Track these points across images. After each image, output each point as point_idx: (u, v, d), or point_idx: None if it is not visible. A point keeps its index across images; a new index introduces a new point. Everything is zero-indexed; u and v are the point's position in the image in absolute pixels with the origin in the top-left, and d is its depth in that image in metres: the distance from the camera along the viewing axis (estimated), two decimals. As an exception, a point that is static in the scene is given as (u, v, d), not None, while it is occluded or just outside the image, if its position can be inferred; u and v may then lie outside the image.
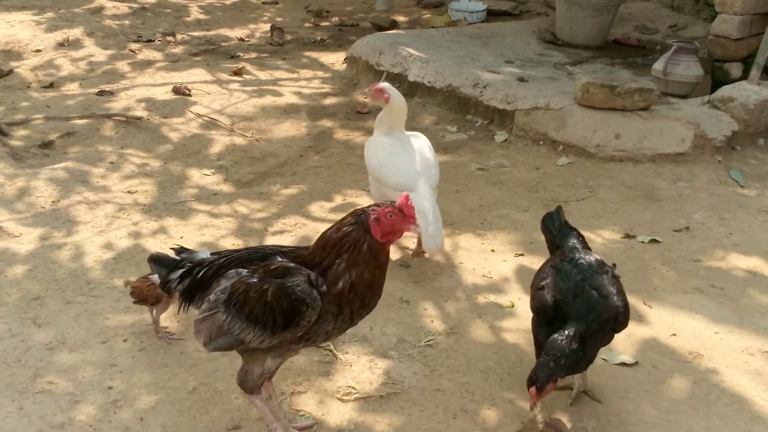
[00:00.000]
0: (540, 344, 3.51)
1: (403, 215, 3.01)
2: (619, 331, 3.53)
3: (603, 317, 3.40)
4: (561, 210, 4.08)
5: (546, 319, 3.52)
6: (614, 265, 3.70)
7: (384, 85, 5.01)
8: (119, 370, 3.92)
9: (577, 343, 3.33)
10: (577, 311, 3.41)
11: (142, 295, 4.08)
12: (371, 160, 4.97)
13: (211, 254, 3.36)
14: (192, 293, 3.27)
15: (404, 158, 4.91)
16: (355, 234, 3.02)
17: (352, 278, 3.01)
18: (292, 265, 3.10)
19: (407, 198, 3.04)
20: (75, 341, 4.12)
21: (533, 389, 3.27)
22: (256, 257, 3.22)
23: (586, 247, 3.83)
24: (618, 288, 3.52)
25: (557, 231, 3.94)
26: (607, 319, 3.42)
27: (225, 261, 3.24)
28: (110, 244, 5.06)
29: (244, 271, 3.14)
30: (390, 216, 2.99)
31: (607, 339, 3.55)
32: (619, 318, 3.46)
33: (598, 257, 3.68)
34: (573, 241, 3.81)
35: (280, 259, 3.16)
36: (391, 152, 4.92)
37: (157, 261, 3.43)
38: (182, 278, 3.30)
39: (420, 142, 5.09)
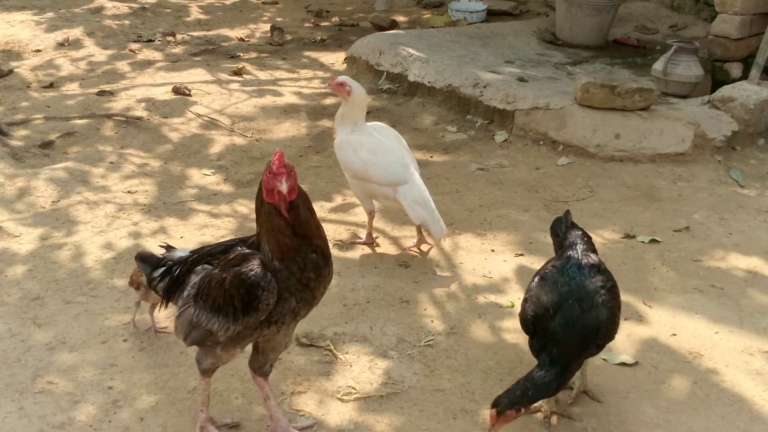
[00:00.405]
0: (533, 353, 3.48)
1: (272, 172, 2.95)
2: (603, 345, 3.48)
3: (584, 333, 3.34)
4: (569, 214, 4.03)
5: (527, 332, 3.53)
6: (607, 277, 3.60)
7: (344, 78, 5.01)
8: (119, 370, 3.92)
9: (555, 372, 3.29)
10: (556, 327, 3.35)
11: (135, 282, 4.11)
12: (353, 161, 4.91)
13: (189, 252, 3.42)
14: (170, 291, 3.37)
15: (389, 153, 4.93)
16: (258, 202, 3.08)
17: (272, 246, 3.04)
18: (248, 251, 3.15)
19: (278, 153, 2.99)
20: (75, 341, 4.12)
21: (493, 412, 3.26)
22: (220, 250, 3.28)
23: (590, 247, 3.76)
24: (606, 299, 3.42)
25: (563, 234, 3.88)
26: (587, 335, 3.35)
27: (196, 257, 3.31)
28: (110, 244, 5.06)
29: (209, 266, 3.22)
30: (268, 174, 2.98)
31: (590, 352, 3.48)
32: (601, 332, 3.39)
33: (595, 260, 3.62)
34: (574, 241, 3.75)
35: (239, 248, 3.21)
36: (374, 150, 4.91)
37: (143, 259, 3.55)
38: (162, 276, 3.40)
39: (390, 132, 5.15)
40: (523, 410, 3.29)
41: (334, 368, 3.98)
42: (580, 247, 3.69)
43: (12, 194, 5.60)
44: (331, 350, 4.10)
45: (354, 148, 4.92)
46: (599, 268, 3.57)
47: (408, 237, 5.27)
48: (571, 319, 3.35)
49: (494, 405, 3.26)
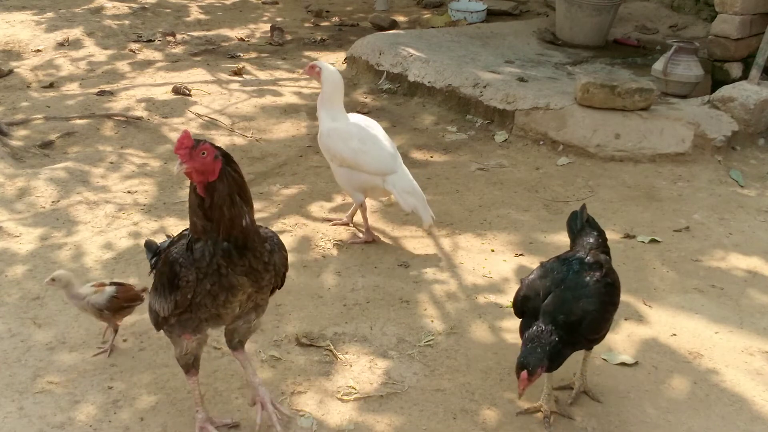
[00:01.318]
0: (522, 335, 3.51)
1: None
2: (591, 336, 3.48)
3: (570, 318, 3.36)
4: (584, 209, 3.99)
5: (517, 313, 3.61)
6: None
7: (317, 62, 5.09)
8: (119, 370, 3.92)
9: (556, 338, 3.33)
10: (546, 309, 3.40)
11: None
12: (343, 150, 4.95)
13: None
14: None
15: (378, 142, 5.02)
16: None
17: (190, 223, 3.14)
18: (185, 231, 3.25)
19: (182, 134, 3.01)
20: (75, 341, 4.12)
21: (524, 374, 3.27)
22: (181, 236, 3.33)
23: (602, 248, 3.76)
24: (598, 292, 3.44)
25: (578, 230, 3.90)
26: (574, 321, 3.36)
27: (171, 242, 3.39)
28: (110, 244, 5.06)
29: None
30: None
31: (581, 344, 3.50)
32: (586, 322, 3.38)
33: (601, 258, 3.62)
34: (587, 239, 3.77)
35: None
36: (363, 139, 4.98)
37: (148, 247, 3.80)
38: (154, 264, 3.60)
39: (372, 123, 5.23)
40: (542, 370, 3.33)
41: (334, 368, 3.98)
42: (588, 245, 3.71)
43: (12, 194, 5.60)
44: (331, 350, 4.10)
45: (343, 138, 4.97)
46: (603, 267, 3.56)
47: (408, 237, 5.27)
48: (559, 303, 3.40)
49: (522, 367, 3.27)
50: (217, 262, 3.05)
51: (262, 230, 3.25)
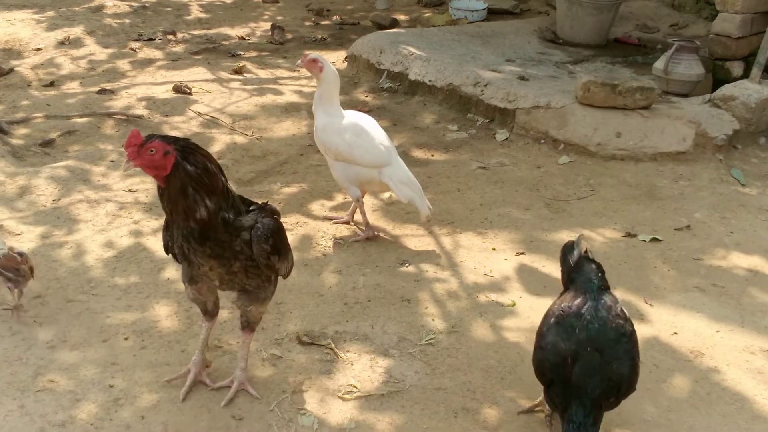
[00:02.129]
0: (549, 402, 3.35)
1: None
2: (623, 398, 3.28)
3: (604, 385, 3.13)
4: (581, 240, 3.68)
5: (544, 382, 3.33)
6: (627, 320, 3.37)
7: (315, 55, 5.11)
8: (120, 368, 3.91)
9: (596, 425, 3.13)
10: (577, 378, 3.13)
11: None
12: (338, 144, 4.98)
13: None
14: None
15: (372, 135, 5.05)
16: None
17: None
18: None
19: (131, 133, 3.17)
20: (76, 340, 4.11)
21: None
22: None
23: (604, 283, 3.47)
24: (627, 348, 3.23)
25: (574, 262, 3.59)
26: (609, 387, 3.15)
27: None
28: (111, 242, 5.05)
29: None
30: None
31: (611, 405, 3.25)
32: (623, 387, 3.20)
33: (611, 300, 3.38)
34: (589, 278, 3.46)
35: None
36: (358, 132, 5.02)
37: None
38: None
39: (367, 117, 5.26)
40: None
41: (335, 367, 3.98)
42: (594, 285, 3.42)
43: (13, 193, 5.59)
44: (332, 349, 4.09)
45: (338, 131, 5.00)
46: (617, 311, 3.33)
47: (409, 235, 5.27)
48: (591, 370, 3.14)
49: None
50: (180, 243, 3.31)
51: (251, 218, 3.35)
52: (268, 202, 3.80)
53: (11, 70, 8.28)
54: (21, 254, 4.23)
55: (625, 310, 3.39)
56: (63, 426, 3.53)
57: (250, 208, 3.43)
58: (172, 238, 3.36)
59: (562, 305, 3.39)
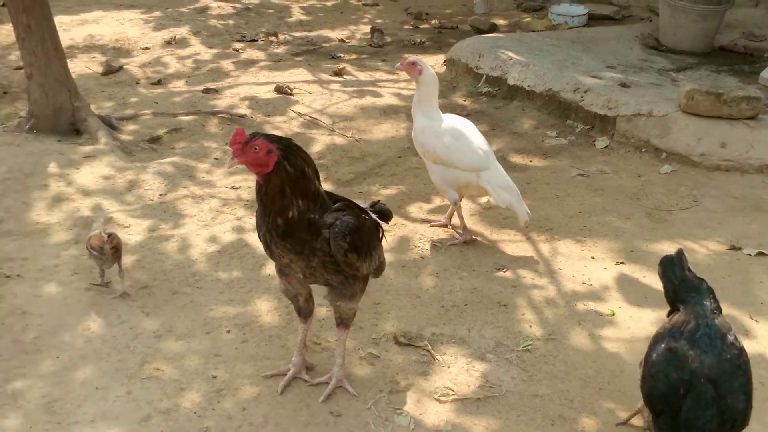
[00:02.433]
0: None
1: None
2: None
3: (717, 420, 2.97)
4: (683, 255, 3.53)
5: (653, 411, 3.21)
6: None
7: (415, 58, 5.14)
8: (223, 360, 4.02)
9: None
10: (688, 411, 2.99)
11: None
12: (436, 147, 5.02)
13: None
14: None
15: (471, 139, 5.06)
16: None
17: None
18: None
19: (235, 132, 3.27)
20: (181, 330, 4.24)
21: None
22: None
23: (717, 306, 3.32)
24: (743, 382, 3.06)
25: (679, 281, 3.44)
26: (722, 422, 2.99)
27: None
28: (215, 237, 5.19)
29: None
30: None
31: None
32: (737, 422, 3.03)
33: (725, 326, 3.20)
34: (700, 301, 3.30)
35: None
36: (456, 135, 5.04)
37: None
38: None
39: (466, 121, 5.25)
40: None
41: (432, 369, 4.00)
42: (707, 309, 3.27)
43: (122, 186, 5.79)
44: (428, 350, 4.12)
45: (437, 134, 5.03)
46: (731, 340, 3.16)
47: (507, 241, 5.26)
48: (704, 403, 2.99)
49: None
50: (264, 233, 3.42)
51: (333, 216, 3.41)
52: (380, 201, 3.87)
53: (121, 68, 8.56)
54: (109, 235, 4.44)
55: (739, 338, 3.23)
56: (168, 413, 3.65)
57: (335, 206, 3.48)
58: (258, 226, 3.47)
59: (673, 330, 3.25)
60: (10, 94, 7.80)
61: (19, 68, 7.81)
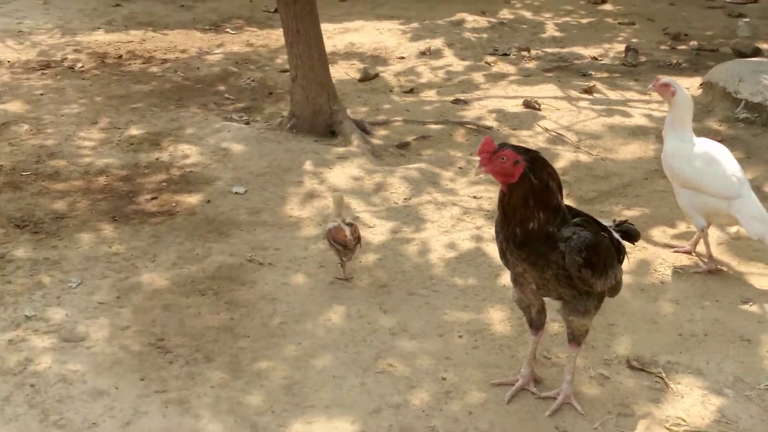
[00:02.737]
0: None
1: None
2: None
3: None
4: None
5: None
6: None
7: (667, 79, 5.01)
8: (453, 363, 4.11)
9: None
10: None
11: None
12: (686, 171, 4.87)
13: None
14: None
15: (724, 165, 4.86)
16: None
17: None
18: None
19: (484, 140, 3.37)
20: (415, 330, 4.39)
21: None
22: None
23: None
24: None
25: None
26: None
27: None
28: (453, 244, 5.31)
29: None
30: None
31: None
32: None
33: None
34: None
35: None
36: (708, 160, 4.86)
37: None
38: None
39: (721, 146, 5.05)
40: None
41: (664, 396, 3.89)
42: None
43: (370, 188, 6.06)
44: (662, 378, 4.01)
45: (687, 157, 4.89)
46: None
47: (755, 273, 5.01)
48: None
49: None
50: (501, 242, 3.50)
51: (570, 230, 3.40)
52: (627, 221, 3.83)
53: (377, 75, 8.95)
54: (350, 225, 4.73)
55: None
56: (398, 408, 3.79)
57: (574, 221, 3.47)
58: (497, 233, 3.54)
59: None
60: (274, 94, 8.38)
61: (284, 71, 8.38)
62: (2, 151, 6.67)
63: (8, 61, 9.28)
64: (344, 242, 4.66)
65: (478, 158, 3.37)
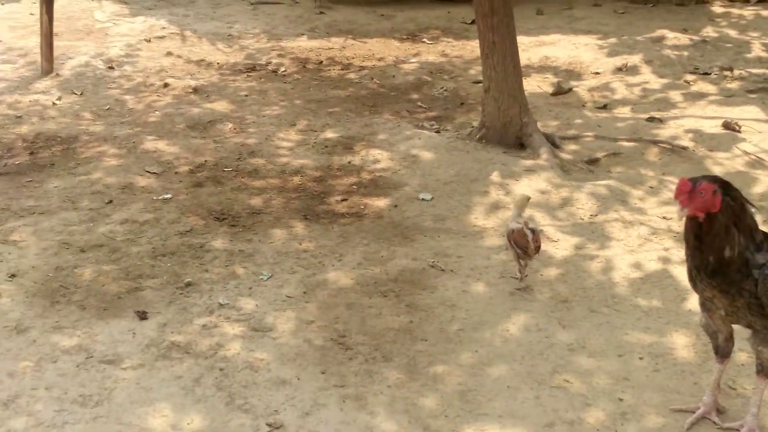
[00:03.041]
0: None
1: None
2: None
3: None
4: None
5: None
6: None
7: None
8: (631, 384, 4.03)
9: None
10: None
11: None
12: None
13: None
14: None
15: None
16: None
17: None
18: None
19: (679, 182, 3.25)
20: (593, 348, 4.33)
21: None
22: None
23: None
24: None
25: None
26: None
27: None
28: (639, 264, 5.20)
29: None
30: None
31: None
32: None
33: None
34: None
35: None
36: None
37: None
38: None
39: None
40: None
41: None
42: None
43: (556, 202, 6.02)
44: None
45: None
46: None
47: None
48: None
49: None
50: (690, 266, 3.42)
51: (765, 257, 3.29)
52: None
53: (570, 89, 8.86)
54: (533, 231, 4.75)
55: None
56: (571, 425, 3.76)
57: None
58: (686, 257, 3.46)
59: None
60: (466, 104, 8.48)
61: (477, 82, 8.46)
62: (207, 147, 7.11)
63: (218, 63, 9.89)
64: (525, 247, 4.68)
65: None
